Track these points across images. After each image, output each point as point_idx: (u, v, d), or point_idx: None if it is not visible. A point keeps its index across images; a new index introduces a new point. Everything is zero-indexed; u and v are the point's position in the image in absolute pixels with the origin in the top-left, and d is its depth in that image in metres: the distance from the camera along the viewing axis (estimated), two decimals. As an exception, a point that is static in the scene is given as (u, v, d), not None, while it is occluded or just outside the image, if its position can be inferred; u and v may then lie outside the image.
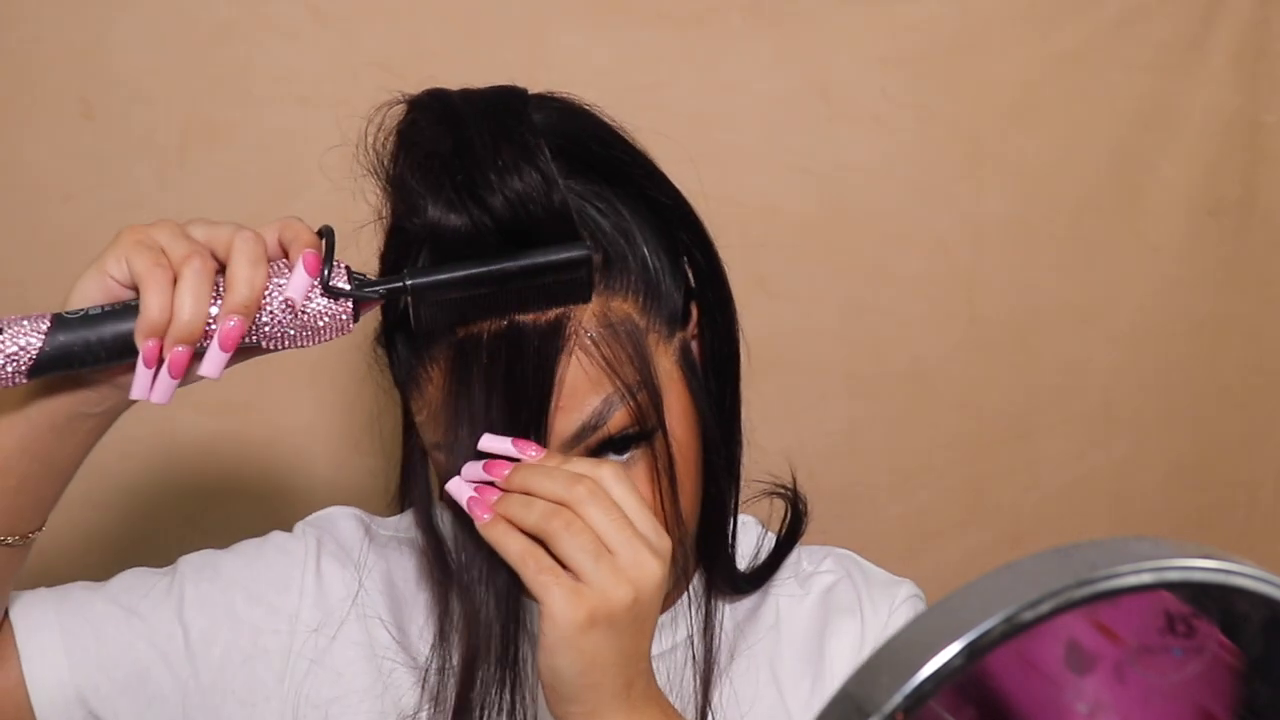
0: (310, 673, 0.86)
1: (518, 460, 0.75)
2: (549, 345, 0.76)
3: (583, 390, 0.77)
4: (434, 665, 0.85)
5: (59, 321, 0.71)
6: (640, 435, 0.79)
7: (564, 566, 0.72)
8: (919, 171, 1.30)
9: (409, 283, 0.74)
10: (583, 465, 0.74)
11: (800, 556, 0.95)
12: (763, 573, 0.92)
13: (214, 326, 0.71)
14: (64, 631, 0.82)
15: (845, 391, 1.32)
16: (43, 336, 0.70)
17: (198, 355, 0.71)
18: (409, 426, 0.87)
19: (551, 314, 0.76)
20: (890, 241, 1.31)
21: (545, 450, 0.76)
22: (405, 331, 0.79)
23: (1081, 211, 1.35)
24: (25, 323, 0.70)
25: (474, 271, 0.75)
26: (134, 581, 0.87)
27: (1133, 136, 1.34)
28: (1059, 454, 1.39)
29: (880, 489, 1.34)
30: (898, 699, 0.39)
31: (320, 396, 1.21)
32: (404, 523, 0.94)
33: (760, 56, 1.25)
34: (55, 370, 0.71)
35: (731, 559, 0.90)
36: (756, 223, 1.26)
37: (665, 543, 0.74)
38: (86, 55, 1.13)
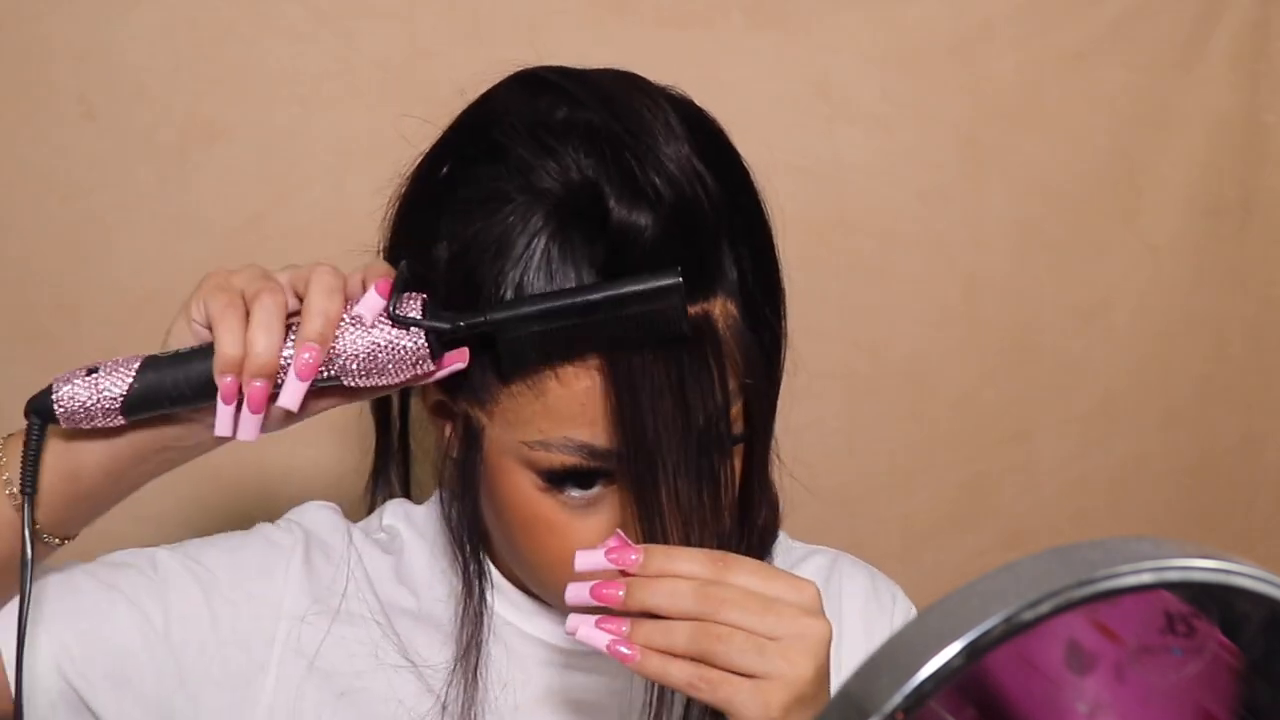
0: (301, 669, 0.85)
1: (623, 571, 0.72)
2: (708, 343, 0.75)
3: (723, 386, 0.77)
4: (451, 670, 0.85)
5: (149, 362, 0.73)
6: (743, 435, 0.80)
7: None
8: (919, 171, 1.30)
9: (489, 317, 0.72)
10: (693, 563, 0.71)
11: (787, 547, 0.96)
12: None
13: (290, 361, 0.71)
14: (42, 600, 0.81)
15: (845, 391, 1.32)
16: (133, 375, 0.73)
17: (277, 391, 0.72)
18: (407, 422, 0.86)
19: (695, 308, 0.75)
20: (890, 241, 1.31)
21: (641, 548, 0.72)
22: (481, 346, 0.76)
23: (1081, 211, 1.35)
24: (119, 364, 0.73)
25: (557, 305, 0.72)
26: (115, 559, 0.86)
27: (1133, 136, 1.34)
28: (1059, 454, 1.39)
29: (880, 489, 1.34)
30: (898, 699, 0.39)
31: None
32: (375, 522, 0.93)
33: (760, 56, 1.25)
34: (148, 409, 0.73)
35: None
36: (756, 223, 1.26)
37: (809, 591, 0.72)
38: (86, 55, 1.13)
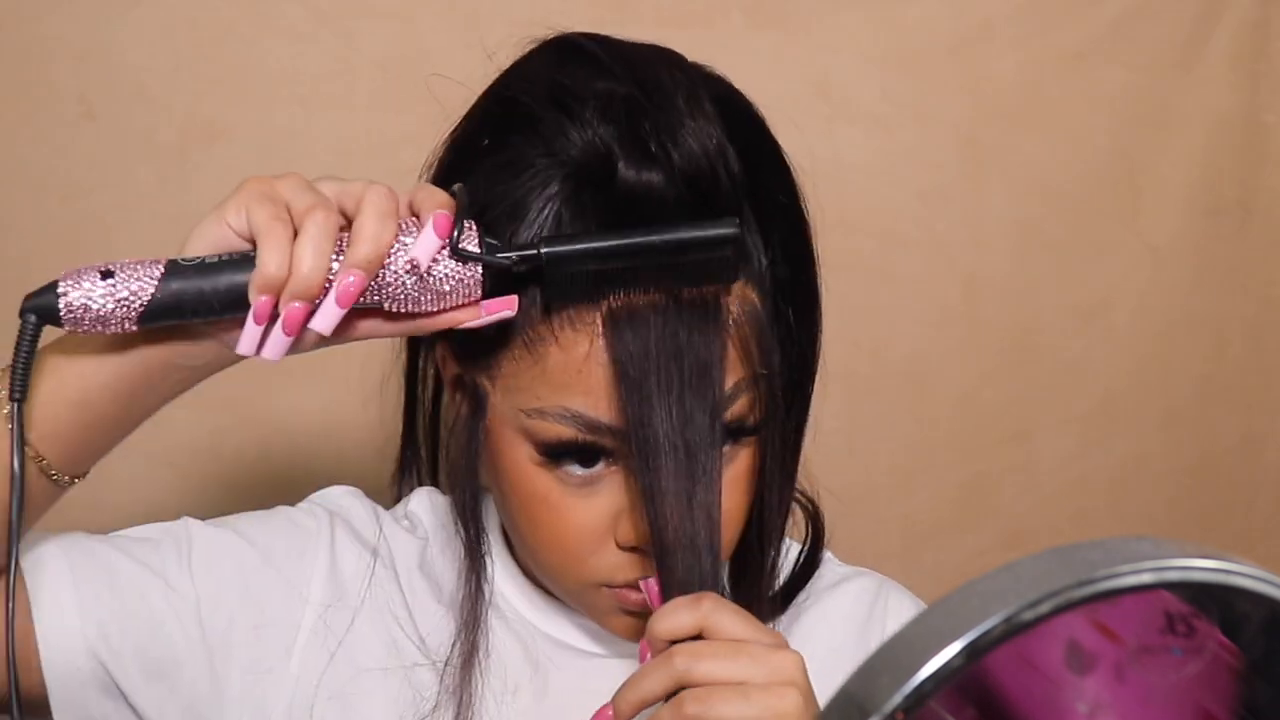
0: (324, 657, 0.83)
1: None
2: (711, 320, 0.74)
3: (730, 369, 0.75)
4: (455, 663, 0.83)
5: (173, 268, 0.68)
6: (754, 428, 0.78)
7: None
8: (919, 171, 1.30)
9: (543, 250, 0.70)
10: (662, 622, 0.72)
11: (831, 565, 0.93)
12: (793, 588, 0.90)
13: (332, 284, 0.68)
14: (76, 579, 0.78)
15: (845, 391, 1.32)
16: (156, 283, 0.67)
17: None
18: (436, 405, 0.85)
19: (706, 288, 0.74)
20: (890, 241, 1.31)
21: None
22: (522, 285, 0.74)
23: (1081, 211, 1.35)
24: (138, 267, 0.68)
25: (615, 243, 0.70)
26: (143, 534, 0.83)
27: (1133, 136, 1.34)
28: (1059, 454, 1.39)
29: (880, 489, 1.34)
30: (898, 699, 0.39)
31: (322, 392, 1.21)
32: (400, 510, 0.91)
33: (760, 56, 1.25)
34: (166, 319, 0.68)
35: (772, 584, 0.87)
36: (756, 223, 1.26)
37: (768, 630, 0.72)
38: (86, 55, 1.13)
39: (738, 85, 1.27)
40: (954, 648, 0.39)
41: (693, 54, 1.25)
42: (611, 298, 0.73)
